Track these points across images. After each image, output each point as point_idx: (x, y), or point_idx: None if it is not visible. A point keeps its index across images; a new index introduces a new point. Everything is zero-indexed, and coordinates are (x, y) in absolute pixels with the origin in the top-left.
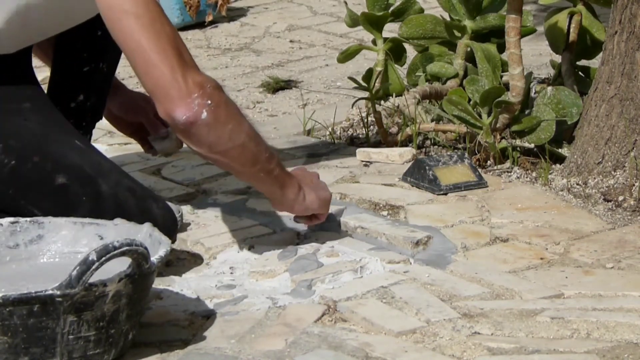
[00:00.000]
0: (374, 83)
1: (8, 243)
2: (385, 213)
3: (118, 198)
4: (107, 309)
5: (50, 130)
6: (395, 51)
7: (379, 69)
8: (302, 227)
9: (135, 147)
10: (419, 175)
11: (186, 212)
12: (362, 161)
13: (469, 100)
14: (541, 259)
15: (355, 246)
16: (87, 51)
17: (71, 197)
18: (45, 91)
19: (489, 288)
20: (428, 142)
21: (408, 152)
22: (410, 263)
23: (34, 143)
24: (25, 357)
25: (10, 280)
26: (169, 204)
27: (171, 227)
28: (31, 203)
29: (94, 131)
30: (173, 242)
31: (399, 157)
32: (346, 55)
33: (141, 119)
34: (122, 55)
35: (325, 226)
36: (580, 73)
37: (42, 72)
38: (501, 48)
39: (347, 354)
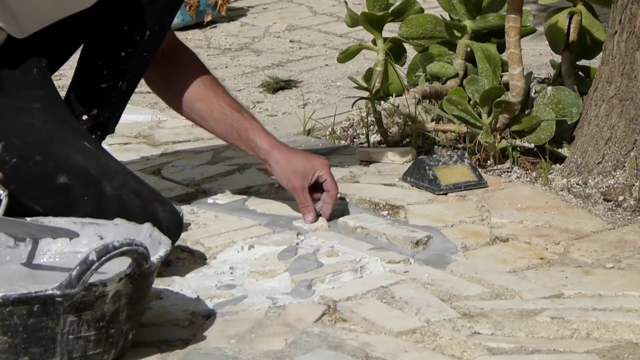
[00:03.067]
0: (374, 83)
1: (8, 243)
2: (385, 213)
3: (122, 199)
4: (107, 309)
5: (56, 131)
6: (395, 51)
7: (379, 69)
8: (302, 227)
9: (135, 146)
10: (419, 175)
11: (186, 212)
12: (362, 161)
13: (469, 100)
14: (541, 259)
15: (355, 246)
16: (108, 69)
17: (73, 196)
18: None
19: (489, 288)
20: (428, 142)
21: (408, 152)
22: (410, 263)
23: (37, 142)
24: (25, 357)
25: (10, 280)
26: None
27: (175, 231)
28: (32, 200)
29: None
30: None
31: (399, 157)
32: (346, 55)
33: (294, 193)
34: None
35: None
36: (580, 73)
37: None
38: (501, 48)
39: (347, 354)
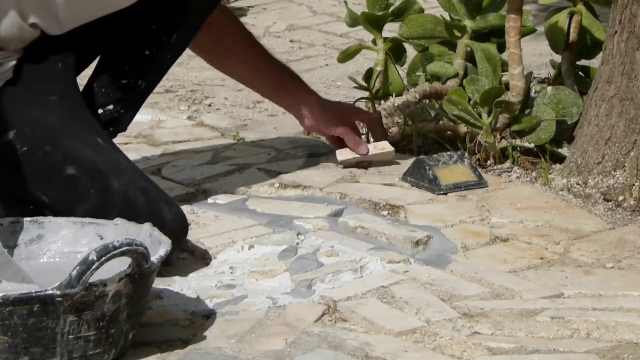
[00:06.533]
0: (374, 83)
1: (8, 243)
2: (385, 213)
3: (128, 196)
4: (107, 309)
5: (69, 125)
6: (395, 51)
7: (379, 68)
8: (302, 226)
9: (135, 146)
10: (419, 175)
11: (186, 212)
12: (343, 161)
13: (469, 100)
14: (541, 258)
15: (355, 246)
16: (129, 65)
17: (79, 188)
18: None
19: (489, 288)
20: (428, 142)
21: (388, 148)
22: (410, 263)
23: (48, 134)
24: (25, 356)
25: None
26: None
27: (179, 232)
28: (39, 190)
29: None
30: (179, 247)
31: (382, 150)
32: (346, 55)
33: (343, 135)
34: None
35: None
36: (580, 73)
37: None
38: (501, 48)
39: (347, 353)
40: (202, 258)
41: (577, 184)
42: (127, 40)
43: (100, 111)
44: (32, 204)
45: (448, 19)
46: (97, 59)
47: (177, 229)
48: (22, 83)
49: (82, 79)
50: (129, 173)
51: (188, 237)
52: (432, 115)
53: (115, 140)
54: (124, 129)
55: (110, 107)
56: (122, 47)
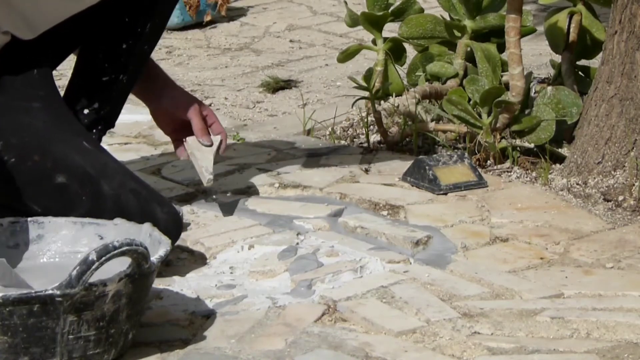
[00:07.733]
0: (374, 83)
1: (8, 243)
2: (385, 213)
3: (120, 199)
4: (107, 309)
5: (55, 131)
6: (395, 51)
7: (379, 68)
8: (302, 226)
9: (135, 146)
10: (419, 175)
11: (186, 212)
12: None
13: (469, 100)
14: (541, 258)
15: (355, 246)
16: (108, 62)
17: (70, 196)
18: (63, 94)
19: (489, 288)
20: (428, 142)
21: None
22: (410, 263)
23: (35, 142)
24: (25, 356)
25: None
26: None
27: (174, 232)
28: (30, 200)
29: None
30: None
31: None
32: (346, 55)
33: (191, 117)
34: None
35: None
36: (580, 73)
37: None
38: (501, 48)
39: (347, 353)
40: (201, 258)
41: (577, 184)
42: (102, 37)
43: (86, 111)
44: (24, 213)
45: (448, 19)
46: (75, 61)
47: (171, 228)
48: (1, 90)
49: (64, 80)
50: (118, 175)
51: (188, 237)
52: (432, 115)
53: (115, 141)
54: (112, 126)
55: (96, 105)
56: (98, 44)
